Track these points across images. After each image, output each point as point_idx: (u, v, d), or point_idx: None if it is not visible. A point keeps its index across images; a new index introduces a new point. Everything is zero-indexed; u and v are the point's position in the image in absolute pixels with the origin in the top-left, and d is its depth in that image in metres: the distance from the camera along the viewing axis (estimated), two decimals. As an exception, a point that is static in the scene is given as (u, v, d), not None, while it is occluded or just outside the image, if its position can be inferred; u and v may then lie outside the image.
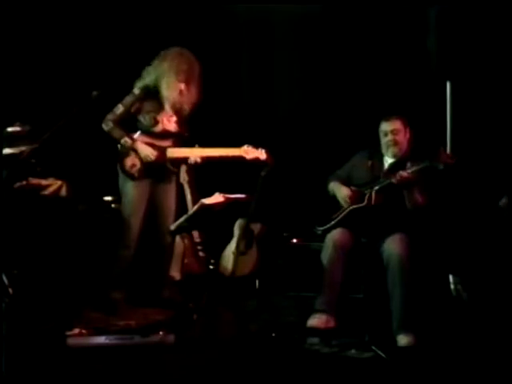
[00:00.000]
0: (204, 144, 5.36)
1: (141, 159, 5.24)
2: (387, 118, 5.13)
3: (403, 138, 5.10)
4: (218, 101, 6.33)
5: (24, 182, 5.27)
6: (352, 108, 6.17)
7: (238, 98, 6.56)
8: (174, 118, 5.33)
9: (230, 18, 6.39)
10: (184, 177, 5.64)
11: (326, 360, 4.54)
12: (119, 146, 5.26)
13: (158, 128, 5.30)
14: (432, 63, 5.72)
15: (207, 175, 5.52)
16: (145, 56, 5.34)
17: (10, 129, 5.23)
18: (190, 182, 5.65)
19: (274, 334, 4.82)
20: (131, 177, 5.26)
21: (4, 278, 4.74)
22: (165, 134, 5.30)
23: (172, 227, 5.04)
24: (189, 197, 5.59)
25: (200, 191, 5.40)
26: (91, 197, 5.73)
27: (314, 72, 6.35)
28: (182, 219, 4.99)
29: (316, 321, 4.87)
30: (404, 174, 4.84)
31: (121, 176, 5.31)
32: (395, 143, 5.07)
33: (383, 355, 4.47)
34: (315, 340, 4.76)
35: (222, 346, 4.63)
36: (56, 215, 5.45)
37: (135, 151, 5.22)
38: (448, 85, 5.73)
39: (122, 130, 5.22)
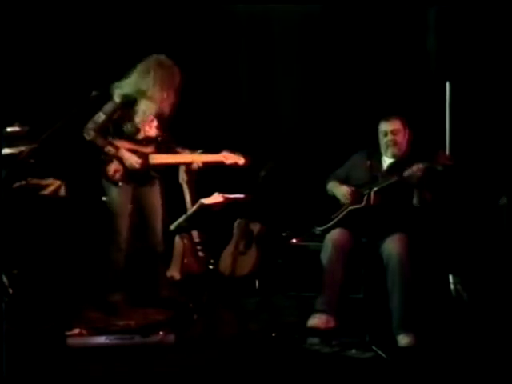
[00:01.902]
0: (201, 146, 5.37)
1: (124, 166, 5.24)
2: (387, 118, 5.13)
3: (403, 138, 5.10)
4: (217, 101, 6.33)
5: (23, 182, 5.27)
6: (352, 108, 6.17)
7: (237, 99, 6.56)
8: (155, 123, 5.33)
9: (229, 18, 6.39)
10: (183, 177, 5.65)
11: (326, 360, 4.54)
12: (102, 154, 5.25)
13: (140, 135, 5.31)
14: (431, 64, 5.72)
15: (206, 175, 5.52)
16: (145, 56, 5.32)
17: (9, 129, 5.23)
18: (188, 183, 5.65)
19: (274, 334, 4.82)
20: (115, 183, 5.27)
21: (4, 278, 4.74)
22: (146, 140, 5.31)
23: (171, 227, 5.04)
24: (188, 197, 5.60)
25: (199, 191, 5.41)
26: (90, 197, 5.73)
27: (314, 72, 6.35)
28: (181, 219, 4.99)
29: (316, 321, 4.87)
30: (420, 168, 4.81)
31: (104, 182, 5.31)
32: (395, 143, 5.07)
33: (383, 355, 4.47)
34: (315, 340, 4.76)
35: (222, 346, 4.64)
36: (55, 215, 5.44)
37: (119, 159, 5.23)
38: (447, 85, 5.73)
39: (104, 138, 5.21)
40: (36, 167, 5.30)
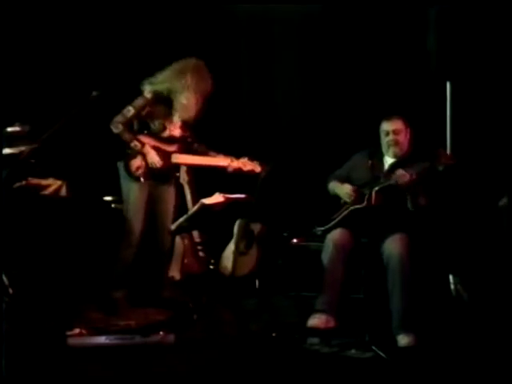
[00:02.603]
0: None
1: (146, 164, 5.26)
2: (388, 117, 5.12)
3: (404, 138, 5.09)
4: (217, 101, 6.32)
5: (24, 182, 5.27)
6: (352, 108, 6.17)
7: (237, 99, 6.56)
8: (179, 123, 5.37)
9: (229, 18, 6.39)
10: (184, 177, 5.65)
11: (326, 360, 4.54)
12: (127, 148, 5.26)
13: (165, 133, 5.34)
14: (432, 63, 5.72)
15: (207, 175, 5.53)
16: (145, 56, 5.34)
17: (9, 129, 5.24)
18: (190, 182, 5.66)
19: (274, 334, 4.82)
20: (136, 178, 5.28)
21: (4, 278, 4.75)
22: (171, 140, 5.34)
23: (172, 227, 5.05)
24: (189, 197, 5.60)
25: (200, 191, 5.41)
26: (91, 197, 5.73)
27: (314, 72, 6.35)
28: (182, 219, 4.99)
29: (316, 321, 4.87)
30: (406, 176, 4.82)
31: (123, 177, 5.32)
32: (396, 143, 5.07)
33: (383, 355, 4.47)
34: (315, 340, 4.76)
35: (223, 346, 4.64)
36: (56, 215, 5.45)
37: (143, 155, 5.24)
38: (448, 85, 5.72)
39: (131, 133, 5.24)
40: (37, 167, 5.31)
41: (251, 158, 5.39)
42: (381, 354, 4.48)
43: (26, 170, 5.24)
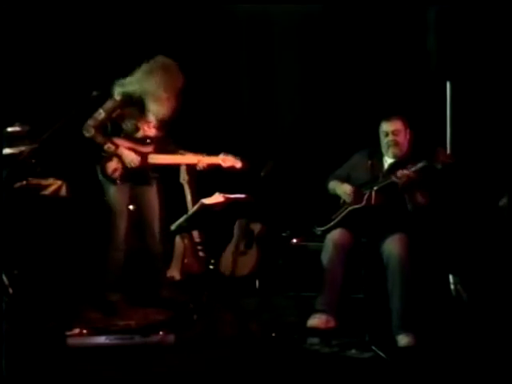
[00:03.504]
0: (201, 146, 5.38)
1: (123, 164, 5.25)
2: (388, 118, 5.12)
3: (404, 138, 5.09)
4: (217, 101, 6.33)
5: (24, 182, 5.27)
6: (352, 108, 6.16)
7: (237, 99, 6.56)
8: (154, 124, 5.35)
9: (229, 18, 6.39)
10: (184, 177, 5.65)
11: (326, 360, 4.54)
12: (101, 151, 5.26)
13: (139, 134, 5.32)
14: (432, 63, 5.71)
15: (207, 175, 5.52)
16: (145, 56, 5.33)
17: (9, 129, 5.24)
18: (189, 182, 5.66)
19: (274, 334, 4.82)
20: (113, 181, 5.27)
21: (4, 278, 4.75)
22: (145, 140, 5.32)
23: (172, 227, 5.04)
24: (189, 197, 5.60)
25: (200, 191, 5.41)
26: (91, 197, 5.73)
27: (314, 72, 6.34)
28: (182, 219, 4.98)
29: (316, 321, 4.87)
30: (405, 173, 4.82)
31: (101, 179, 5.32)
32: (396, 143, 5.06)
33: (383, 355, 4.46)
34: (315, 340, 4.76)
35: (222, 346, 4.64)
36: (56, 215, 5.45)
37: (118, 157, 5.24)
38: (448, 85, 5.72)
39: (104, 136, 5.23)
40: (37, 167, 5.31)
41: (227, 154, 5.36)
42: (381, 354, 4.48)
43: (26, 170, 5.23)
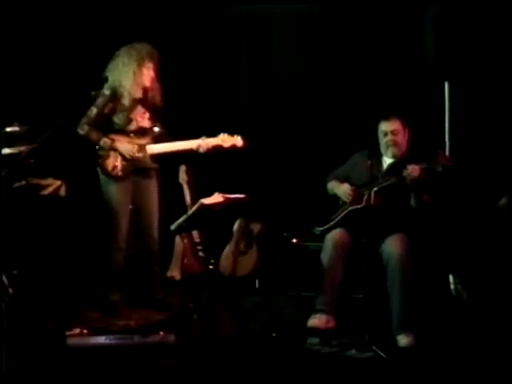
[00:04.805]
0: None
1: (122, 159, 5.24)
2: (387, 118, 5.12)
3: (402, 138, 5.09)
4: (217, 101, 6.33)
5: (23, 182, 5.25)
6: (351, 108, 6.16)
7: (237, 99, 6.56)
8: (147, 115, 5.33)
9: (229, 18, 6.39)
10: (183, 177, 5.65)
11: (326, 360, 4.55)
12: (98, 148, 5.25)
13: (133, 126, 5.30)
14: (430, 63, 5.72)
15: (207, 175, 5.52)
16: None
17: (8, 129, 5.22)
18: (189, 182, 5.65)
19: (274, 334, 4.82)
20: (114, 178, 5.26)
21: (4, 278, 4.74)
22: (141, 131, 5.31)
23: (172, 227, 5.03)
24: (188, 197, 5.60)
25: (199, 191, 5.40)
26: (91, 197, 5.72)
27: (314, 72, 6.34)
28: (181, 219, 4.97)
29: (316, 321, 4.87)
30: (416, 170, 4.80)
31: (102, 179, 5.31)
32: (394, 143, 5.06)
33: (383, 355, 4.47)
34: (315, 340, 4.77)
35: (223, 346, 4.64)
36: (55, 215, 5.44)
37: (115, 151, 5.22)
38: (446, 85, 5.72)
39: (98, 132, 5.22)
40: (36, 167, 5.29)
41: (231, 134, 5.30)
42: (381, 354, 4.49)
43: (26, 169, 5.22)
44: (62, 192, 5.41)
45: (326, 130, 6.25)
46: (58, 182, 5.41)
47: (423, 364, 4.40)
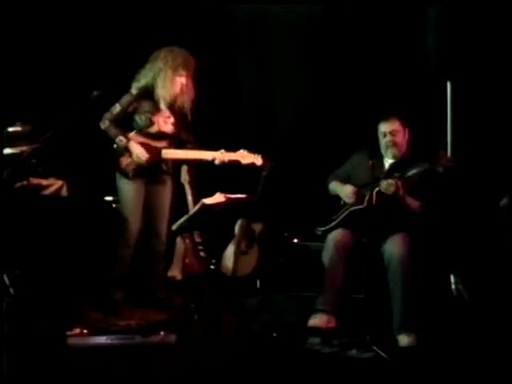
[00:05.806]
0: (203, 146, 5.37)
1: (134, 160, 5.24)
2: (386, 118, 5.11)
3: (402, 138, 5.09)
4: (216, 102, 6.33)
5: (25, 182, 5.26)
6: (352, 108, 6.16)
7: (237, 99, 6.56)
8: (172, 120, 5.30)
9: (229, 18, 6.39)
10: (185, 177, 5.65)
11: (326, 360, 4.54)
12: (115, 145, 5.26)
13: (154, 129, 5.28)
14: (432, 63, 5.72)
15: (208, 175, 5.52)
16: (144, 56, 5.33)
17: (10, 129, 5.23)
18: (190, 182, 5.66)
19: (275, 334, 4.82)
20: (126, 176, 5.26)
21: (5, 278, 4.75)
22: (160, 135, 5.28)
23: (173, 227, 5.04)
24: (190, 197, 5.60)
25: (201, 191, 5.40)
26: (92, 197, 5.73)
27: (314, 72, 6.34)
28: (183, 219, 4.98)
29: (317, 321, 4.87)
30: (390, 182, 4.79)
31: (117, 175, 5.31)
32: (394, 144, 5.06)
33: (384, 355, 4.47)
34: (316, 340, 4.77)
35: (223, 346, 4.64)
36: (57, 215, 5.45)
37: (129, 151, 5.23)
38: (448, 85, 5.72)
39: (117, 129, 5.21)
40: (38, 167, 5.31)
41: (251, 151, 5.23)
42: (382, 354, 4.48)
43: (27, 170, 5.23)
44: (64, 192, 5.42)
45: (328, 130, 6.25)
46: (60, 182, 5.42)
47: (424, 364, 4.39)
